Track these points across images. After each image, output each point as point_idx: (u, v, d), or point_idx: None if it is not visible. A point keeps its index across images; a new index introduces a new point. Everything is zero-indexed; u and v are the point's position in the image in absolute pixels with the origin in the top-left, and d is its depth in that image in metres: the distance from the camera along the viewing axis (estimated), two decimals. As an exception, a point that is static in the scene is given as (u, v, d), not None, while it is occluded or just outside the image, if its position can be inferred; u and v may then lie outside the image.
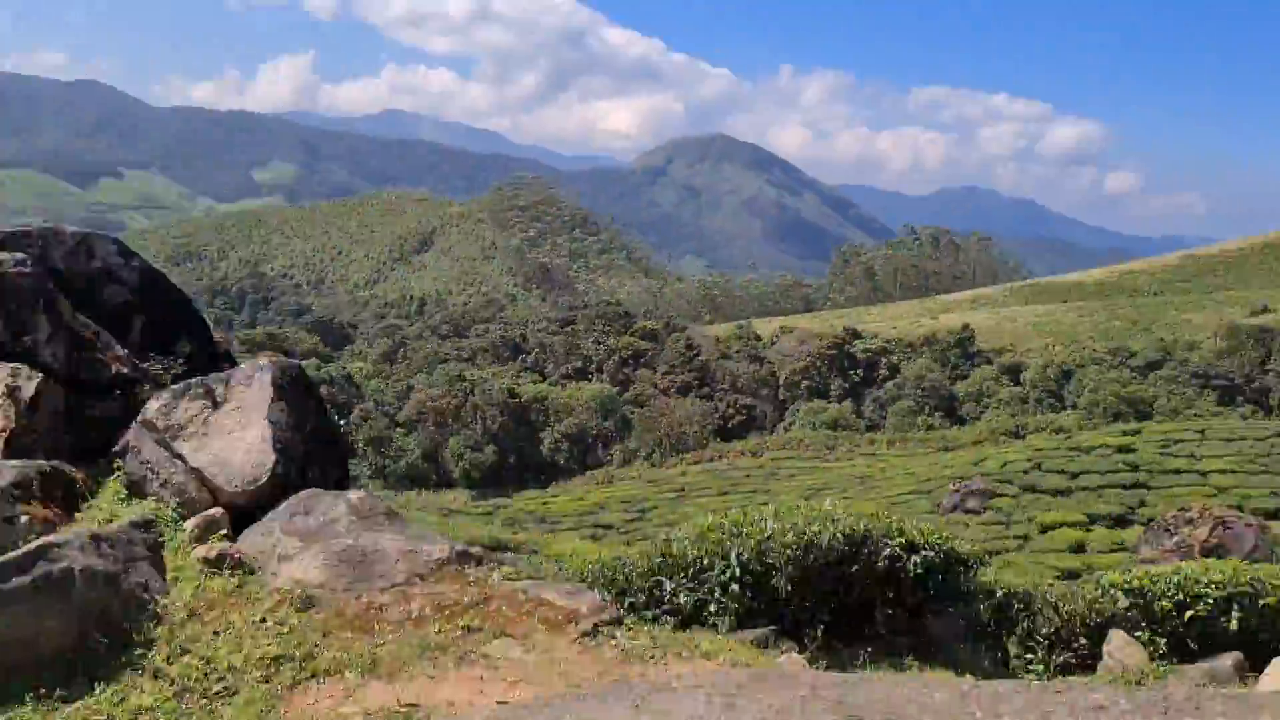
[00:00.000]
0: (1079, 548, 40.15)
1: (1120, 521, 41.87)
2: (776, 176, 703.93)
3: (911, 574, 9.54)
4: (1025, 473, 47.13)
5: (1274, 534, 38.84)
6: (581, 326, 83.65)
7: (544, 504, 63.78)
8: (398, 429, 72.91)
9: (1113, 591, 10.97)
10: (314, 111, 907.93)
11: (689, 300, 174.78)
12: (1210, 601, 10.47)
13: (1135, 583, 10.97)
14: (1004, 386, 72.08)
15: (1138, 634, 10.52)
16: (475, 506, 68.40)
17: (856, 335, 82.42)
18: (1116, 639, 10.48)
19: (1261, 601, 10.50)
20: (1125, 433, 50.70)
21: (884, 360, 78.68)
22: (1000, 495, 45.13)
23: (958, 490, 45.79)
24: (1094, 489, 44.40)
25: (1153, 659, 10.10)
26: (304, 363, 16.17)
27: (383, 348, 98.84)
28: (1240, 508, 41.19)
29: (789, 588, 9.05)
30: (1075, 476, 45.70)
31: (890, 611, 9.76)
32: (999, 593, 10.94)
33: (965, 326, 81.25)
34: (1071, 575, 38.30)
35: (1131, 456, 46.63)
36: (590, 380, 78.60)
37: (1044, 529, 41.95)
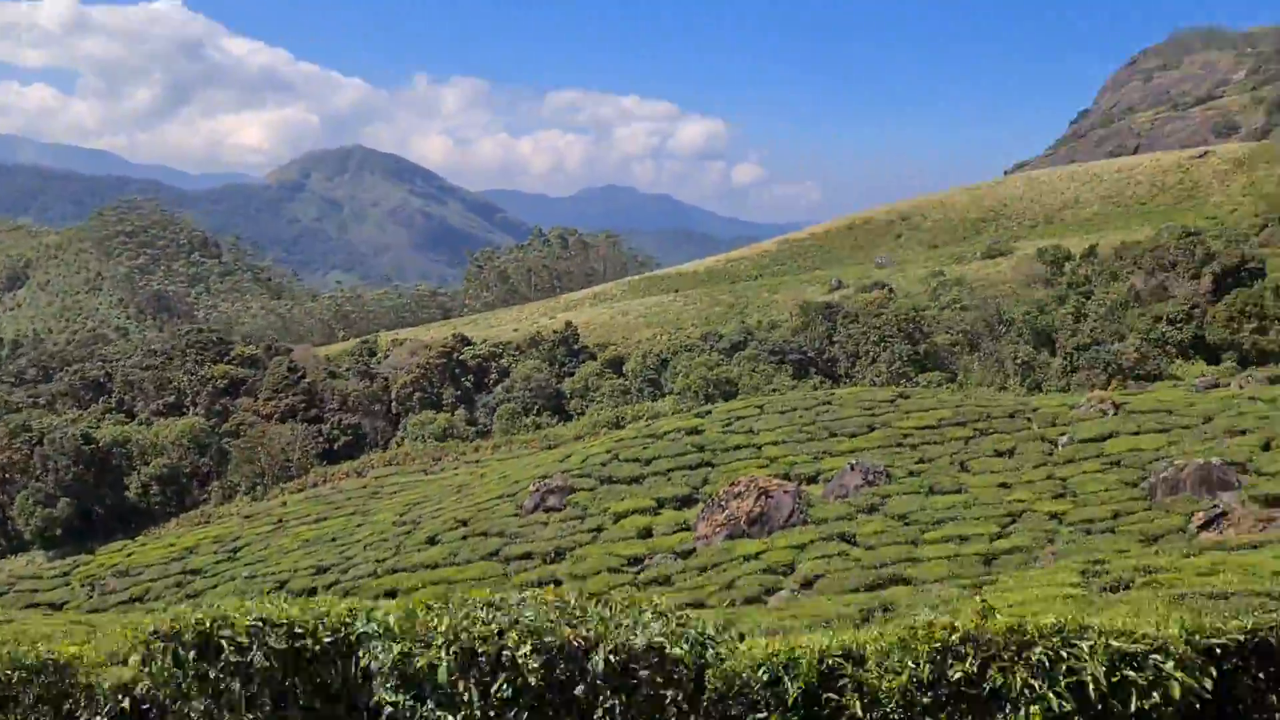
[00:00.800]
0: (647, 533, 41.67)
1: (686, 502, 43.80)
2: (419, 186, 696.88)
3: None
4: (603, 464, 48.35)
5: (813, 496, 42.06)
6: (174, 359, 77.85)
7: (129, 555, 58.67)
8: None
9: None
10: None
11: (320, 318, 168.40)
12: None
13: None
14: (607, 380, 74.22)
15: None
16: (50, 568, 61.92)
17: (466, 342, 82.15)
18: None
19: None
20: (697, 414, 53.37)
21: (494, 365, 78.91)
22: (579, 490, 46.05)
23: (538, 490, 46.27)
24: (664, 473, 46.27)
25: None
26: None
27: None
28: (787, 475, 44.39)
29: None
30: (648, 463, 47.39)
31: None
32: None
33: (568, 324, 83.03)
34: (636, 560, 39.73)
35: (699, 438, 49.06)
36: (185, 415, 73.30)
37: (617, 518, 43.21)
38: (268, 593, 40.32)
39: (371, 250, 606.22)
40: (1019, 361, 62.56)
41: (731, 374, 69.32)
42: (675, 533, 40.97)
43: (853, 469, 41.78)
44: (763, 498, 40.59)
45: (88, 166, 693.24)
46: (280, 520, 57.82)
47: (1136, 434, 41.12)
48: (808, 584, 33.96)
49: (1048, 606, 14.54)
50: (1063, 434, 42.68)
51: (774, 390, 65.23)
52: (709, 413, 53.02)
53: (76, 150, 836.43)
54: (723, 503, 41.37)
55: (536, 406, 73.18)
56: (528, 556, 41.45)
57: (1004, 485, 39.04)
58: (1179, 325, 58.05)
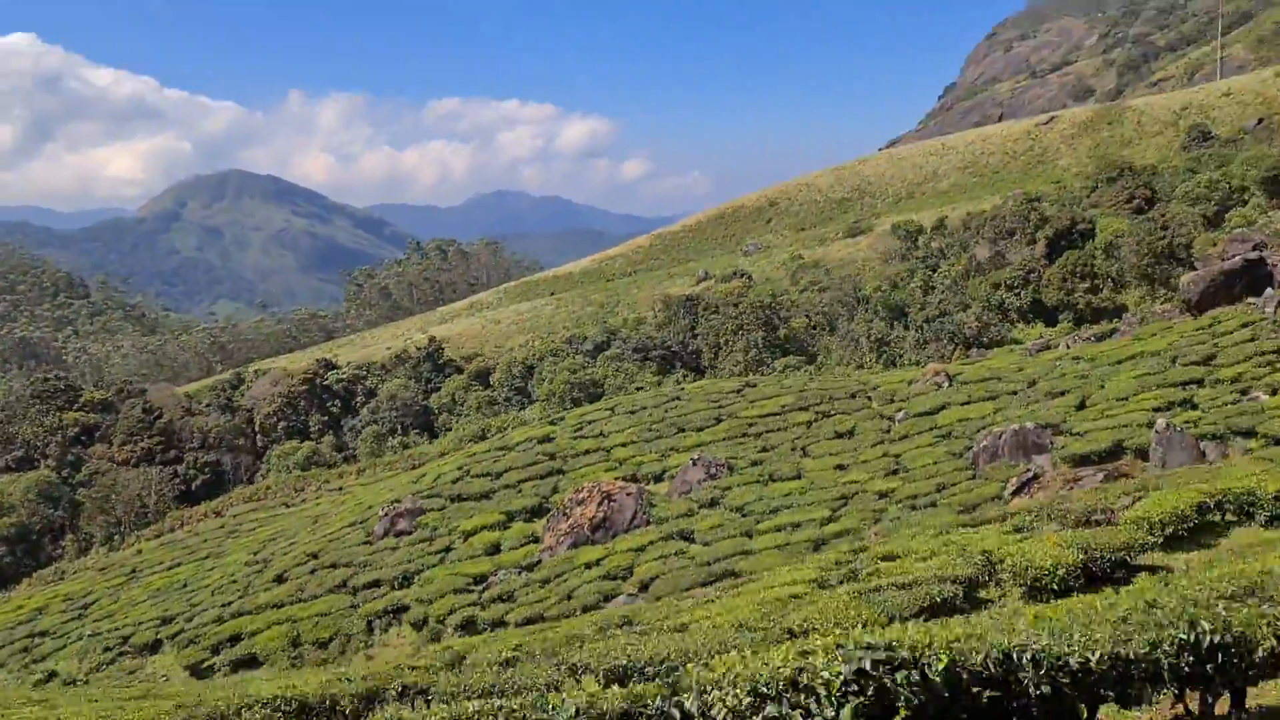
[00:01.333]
0: (495, 549, 41.08)
1: (536, 512, 43.29)
2: (302, 206, 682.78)
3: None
4: (454, 482, 47.58)
5: (657, 495, 41.92)
6: (18, 411, 74.62)
7: (-24, 622, 55.91)
8: None
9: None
10: None
11: (196, 352, 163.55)
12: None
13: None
14: (474, 392, 73.31)
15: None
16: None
17: (331, 366, 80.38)
18: None
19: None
20: (550, 422, 52.90)
21: (360, 387, 77.35)
22: (428, 511, 45.21)
23: (387, 514, 45.31)
24: (514, 485, 45.71)
25: None
26: None
27: None
28: (634, 476, 44.19)
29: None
30: (499, 476, 46.77)
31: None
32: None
33: (431, 340, 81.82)
34: (481, 579, 39.09)
35: (550, 445, 48.61)
36: (36, 467, 70.25)
37: (465, 536, 42.53)
38: (106, 650, 38.58)
39: (258, 276, 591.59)
40: (873, 339, 63.46)
41: (596, 375, 69.03)
42: (523, 545, 40.51)
43: (695, 464, 41.78)
44: (605, 502, 40.33)
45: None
46: (134, 570, 55.74)
47: (966, 404, 41.89)
48: (644, 586, 33.84)
49: (736, 616, 14.48)
50: (899, 410, 43.26)
51: (639, 389, 65.18)
52: (561, 419, 52.55)
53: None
54: (567, 510, 41.02)
55: (403, 426, 71.97)
56: (375, 584, 40.54)
57: (840, 467, 39.41)
58: (1016, 290, 59.50)
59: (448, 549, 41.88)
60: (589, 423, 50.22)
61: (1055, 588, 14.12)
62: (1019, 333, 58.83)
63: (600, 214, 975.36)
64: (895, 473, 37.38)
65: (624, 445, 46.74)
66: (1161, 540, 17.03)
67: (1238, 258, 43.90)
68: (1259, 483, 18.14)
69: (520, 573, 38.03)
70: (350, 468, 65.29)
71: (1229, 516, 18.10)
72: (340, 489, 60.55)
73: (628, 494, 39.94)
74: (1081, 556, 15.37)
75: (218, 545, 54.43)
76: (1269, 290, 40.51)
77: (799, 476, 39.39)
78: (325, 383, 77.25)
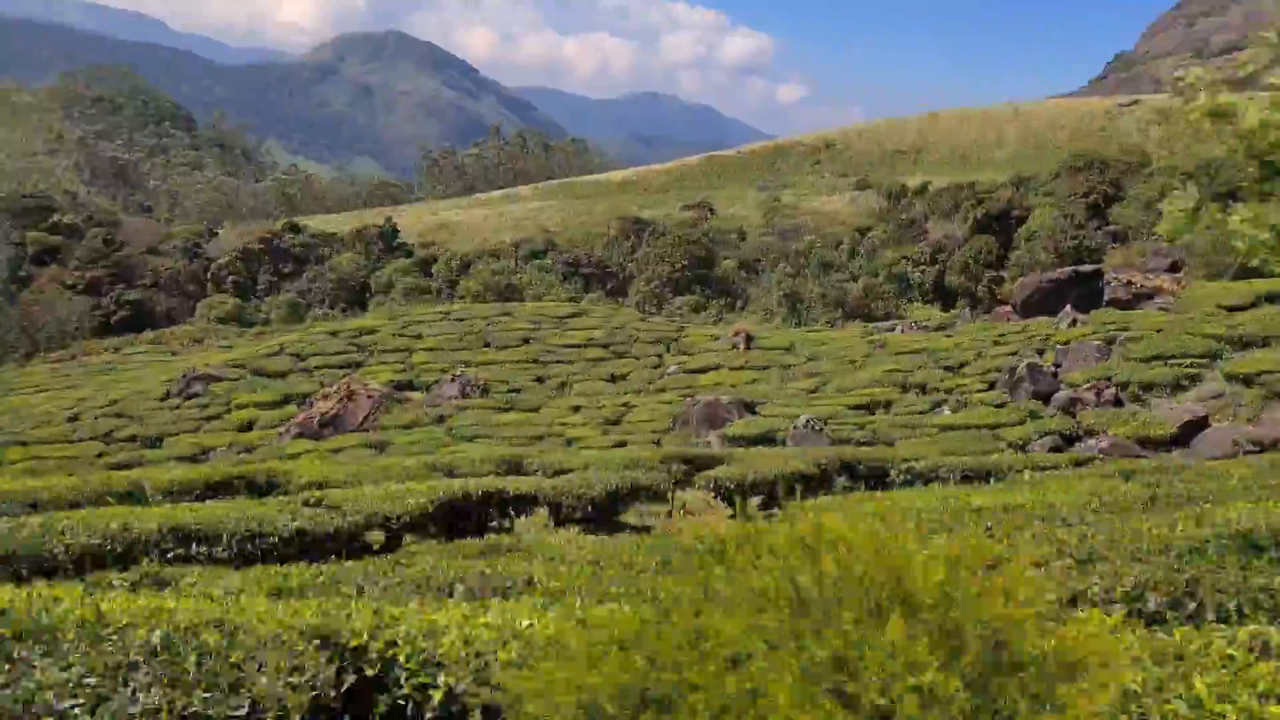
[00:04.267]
0: (248, 426, 41.79)
1: (308, 399, 43.79)
2: (454, 78, 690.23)
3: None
4: (267, 357, 48.23)
5: (413, 400, 41.79)
6: (-8, 222, 78.36)
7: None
8: None
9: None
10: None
11: (263, 199, 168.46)
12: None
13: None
14: (411, 277, 73.83)
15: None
16: None
17: (295, 229, 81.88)
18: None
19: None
20: (391, 317, 53.03)
21: (313, 254, 78.66)
22: (225, 380, 46.00)
23: (186, 376, 46.29)
24: (311, 370, 46.21)
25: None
26: None
27: None
28: (411, 383, 44.10)
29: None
30: (304, 359, 47.31)
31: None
32: None
33: (388, 220, 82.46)
34: (205, 451, 39.83)
35: (370, 338, 48.79)
36: (-6, 280, 73.99)
37: (236, 407, 43.31)
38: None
39: (399, 141, 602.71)
40: (783, 292, 61.43)
41: (517, 280, 68.74)
42: (272, 428, 41.07)
43: (453, 380, 41.48)
44: (346, 400, 40.45)
45: (126, 31, 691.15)
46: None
47: (740, 369, 40.35)
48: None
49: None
50: (675, 364, 41.95)
51: (550, 298, 64.83)
52: (396, 318, 52.57)
53: (116, 13, 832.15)
54: (313, 402, 41.34)
55: (334, 299, 73.14)
56: (132, 439, 41.73)
57: (575, 408, 38.56)
58: (922, 267, 56.48)
59: (215, 417, 42.74)
60: (417, 323, 50.15)
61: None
62: (914, 310, 56.12)
63: (747, 130, 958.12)
64: (615, 423, 36.38)
65: (428, 349, 46.62)
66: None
67: (1069, 269, 40.78)
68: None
69: (239, 452, 38.58)
70: (268, 329, 66.86)
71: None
72: (230, 347, 62.05)
73: (368, 396, 39.94)
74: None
75: (67, 379, 56.33)
76: (1065, 308, 37.62)
77: (535, 410, 38.75)
78: (283, 244, 78.77)
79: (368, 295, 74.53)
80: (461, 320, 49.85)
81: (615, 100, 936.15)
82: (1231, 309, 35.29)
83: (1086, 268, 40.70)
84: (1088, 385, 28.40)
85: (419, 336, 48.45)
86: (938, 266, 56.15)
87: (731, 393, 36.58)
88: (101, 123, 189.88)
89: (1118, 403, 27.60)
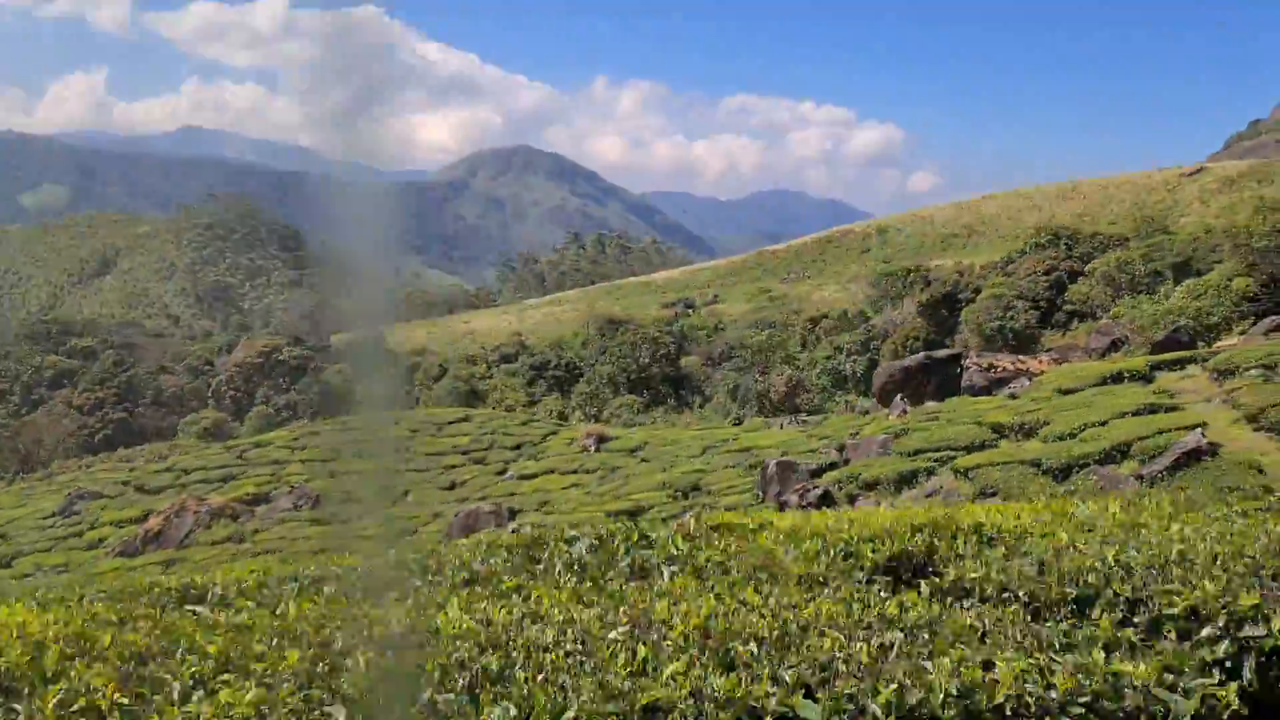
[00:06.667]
0: (99, 543, 41.83)
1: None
2: (581, 186, 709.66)
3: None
4: (159, 472, 48.63)
5: (258, 514, 40.94)
6: (9, 350, 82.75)
7: None
8: None
9: None
10: (107, 130, 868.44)
11: (347, 315, 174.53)
12: None
13: None
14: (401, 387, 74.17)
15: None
16: None
17: (298, 341, 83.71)
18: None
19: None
20: (311, 431, 52.87)
21: (310, 366, 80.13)
22: (103, 497, 46.48)
23: (70, 495, 46.95)
24: (187, 485, 46.27)
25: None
26: None
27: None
28: (268, 497, 43.35)
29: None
30: (190, 473, 47.48)
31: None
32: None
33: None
34: (64, 568, 39.85)
35: (260, 451, 48.66)
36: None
37: (108, 523, 43.51)
38: None
39: (529, 249, 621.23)
40: (728, 389, 59.03)
41: (481, 386, 68.21)
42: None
43: (291, 491, 40.65)
44: (173, 517, 39.99)
45: (283, 162, 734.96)
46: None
47: (568, 473, 38.29)
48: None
49: None
50: (513, 470, 40.16)
51: (509, 406, 63.99)
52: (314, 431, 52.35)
53: (272, 145, 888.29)
54: (153, 516, 41.07)
55: (321, 409, 73.99)
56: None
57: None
58: (854, 356, 53.18)
59: (75, 535, 42.98)
60: (311, 434, 49.83)
61: None
62: (853, 400, 52.87)
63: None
64: (410, 532, 34.76)
65: (303, 461, 46.07)
66: None
67: (921, 355, 37.56)
68: None
69: (60, 572, 38.42)
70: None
71: None
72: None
73: (194, 512, 39.42)
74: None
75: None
76: (896, 399, 34.50)
77: (346, 521, 37.39)
78: (281, 358, 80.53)
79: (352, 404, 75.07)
80: (357, 429, 49.13)
81: (742, 199, 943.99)
82: (1066, 392, 31.73)
83: (941, 353, 37.40)
84: (797, 488, 25.56)
85: (304, 448, 48.02)
86: (869, 355, 52.85)
87: (531, 500, 34.62)
88: (209, 248, 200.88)
89: (824, 502, 24.66)
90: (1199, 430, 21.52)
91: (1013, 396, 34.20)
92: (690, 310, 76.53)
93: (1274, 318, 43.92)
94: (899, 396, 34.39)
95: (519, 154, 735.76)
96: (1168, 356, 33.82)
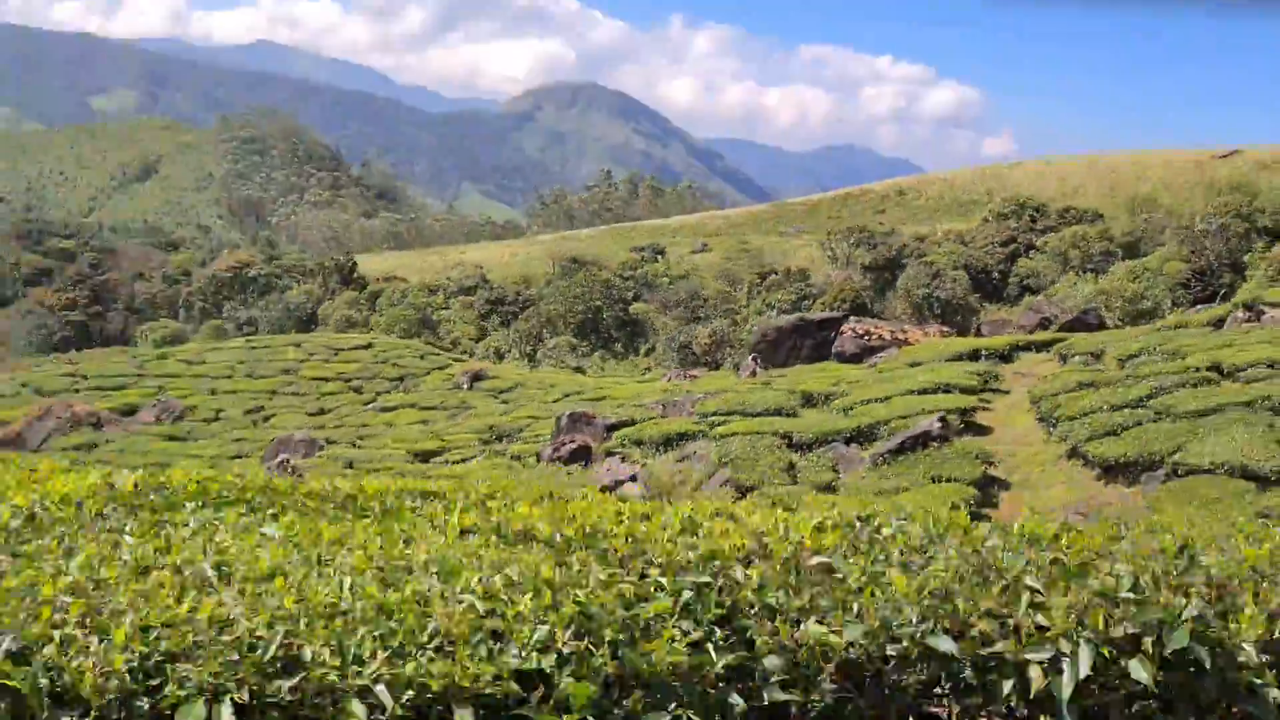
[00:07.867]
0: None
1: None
2: (644, 126, 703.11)
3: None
4: (65, 376, 48.47)
5: (132, 423, 40.64)
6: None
7: None
8: None
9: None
10: (182, 39, 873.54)
11: (371, 236, 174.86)
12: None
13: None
14: (354, 310, 73.72)
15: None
16: None
17: (272, 258, 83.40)
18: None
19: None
20: (214, 348, 52.41)
21: (277, 284, 79.80)
22: (3, 396, 46.42)
23: (-30, 389, 47.05)
24: (83, 390, 46.04)
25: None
26: None
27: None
28: (133, 410, 42.97)
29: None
30: (91, 379, 47.25)
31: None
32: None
33: (348, 255, 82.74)
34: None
35: (161, 364, 48.28)
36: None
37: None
38: None
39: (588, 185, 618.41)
40: (668, 337, 57.64)
41: (436, 315, 67.49)
42: None
43: (155, 405, 40.21)
44: (39, 421, 39.73)
45: (352, 82, 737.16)
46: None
47: (427, 409, 37.32)
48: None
49: None
50: (376, 398, 39.27)
51: (455, 339, 63.38)
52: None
53: (348, 66, 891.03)
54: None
55: (282, 327, 73.81)
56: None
57: (237, 440, 36.46)
58: (783, 314, 51.35)
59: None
60: (214, 350, 49.36)
61: None
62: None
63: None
64: (236, 457, 34.10)
65: (194, 377, 45.61)
66: None
67: (795, 316, 35.85)
68: None
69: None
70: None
71: None
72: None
73: (58, 418, 39.10)
74: None
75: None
76: (747, 360, 32.94)
77: (212, 437, 36.96)
78: (252, 274, 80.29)
79: (313, 326, 74.70)
80: (254, 349, 48.63)
81: (810, 151, 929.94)
82: (915, 364, 29.99)
83: (815, 316, 35.68)
84: (567, 441, 24.25)
85: (203, 363, 47.54)
86: (798, 313, 50.94)
87: (376, 431, 33.71)
88: (242, 163, 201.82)
89: (576, 458, 23.38)
90: (938, 416, 19.85)
91: (873, 367, 32.50)
92: (659, 256, 74.72)
93: (1203, 306, 41.55)
94: (751, 358, 32.81)
95: (585, 90, 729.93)
96: (1037, 337, 32.02)
